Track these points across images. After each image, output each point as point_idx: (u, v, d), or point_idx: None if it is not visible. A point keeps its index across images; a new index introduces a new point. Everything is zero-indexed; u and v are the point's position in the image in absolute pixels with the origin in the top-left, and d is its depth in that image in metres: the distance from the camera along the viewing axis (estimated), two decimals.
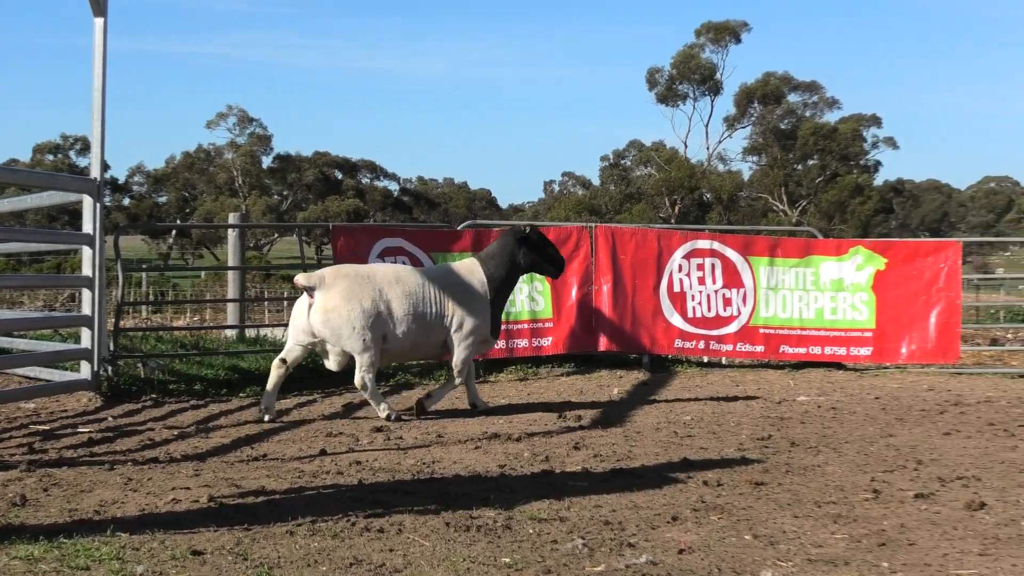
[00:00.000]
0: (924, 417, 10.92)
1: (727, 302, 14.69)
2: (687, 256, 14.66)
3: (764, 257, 14.71)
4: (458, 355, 10.90)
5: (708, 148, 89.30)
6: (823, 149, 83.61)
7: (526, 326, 14.40)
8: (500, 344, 14.22)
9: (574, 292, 14.50)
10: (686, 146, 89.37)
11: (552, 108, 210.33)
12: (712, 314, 14.59)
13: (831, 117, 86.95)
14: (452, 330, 10.83)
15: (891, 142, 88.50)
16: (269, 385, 10.70)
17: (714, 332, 14.63)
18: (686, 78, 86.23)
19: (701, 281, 14.68)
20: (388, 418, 10.57)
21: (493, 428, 10.07)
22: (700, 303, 14.64)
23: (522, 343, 14.41)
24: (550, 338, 14.48)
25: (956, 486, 7.53)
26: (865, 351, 14.58)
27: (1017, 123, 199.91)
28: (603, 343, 14.35)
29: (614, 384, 13.26)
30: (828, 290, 14.71)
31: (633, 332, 14.43)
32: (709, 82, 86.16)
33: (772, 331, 14.72)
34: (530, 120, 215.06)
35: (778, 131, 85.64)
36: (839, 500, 7.08)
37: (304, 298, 10.59)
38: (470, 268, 11.13)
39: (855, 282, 14.61)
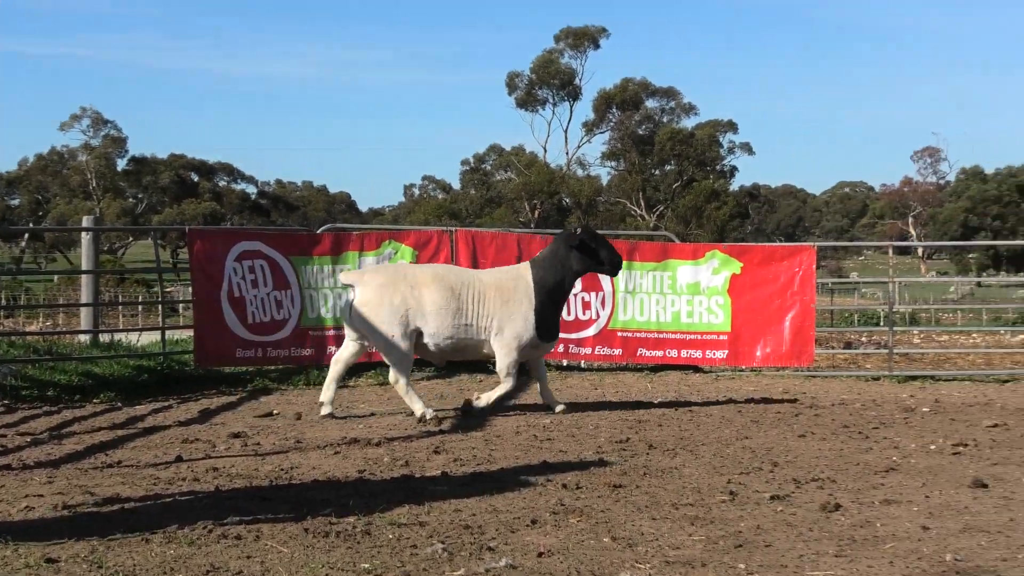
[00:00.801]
0: (780, 419, 11.12)
1: (586, 305, 14.81)
2: None
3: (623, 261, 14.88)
4: (500, 359, 11.09)
5: (567, 153, 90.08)
6: (680, 154, 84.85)
7: None
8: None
9: None
10: (546, 151, 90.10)
11: (412, 111, 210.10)
12: (571, 318, 14.69)
13: (688, 123, 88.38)
14: (493, 333, 11.00)
15: (747, 148, 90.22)
16: (327, 379, 11.15)
17: (573, 335, 14.74)
18: (545, 83, 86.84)
19: None
20: (422, 418, 10.74)
21: (353, 433, 10.00)
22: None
23: None
24: None
25: (811, 488, 7.67)
26: (721, 354, 14.79)
27: (870, 129, 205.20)
28: None
29: (475, 388, 13.27)
30: (685, 294, 14.90)
31: None
32: (568, 87, 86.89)
33: (630, 334, 14.87)
34: (390, 123, 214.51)
35: (636, 136, 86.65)
36: (696, 502, 7.16)
37: (349, 294, 11.12)
38: (518, 272, 11.30)
39: (711, 286, 14.82)
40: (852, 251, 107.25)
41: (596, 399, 12.65)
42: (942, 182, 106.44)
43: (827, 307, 24.32)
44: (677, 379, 14.58)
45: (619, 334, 14.85)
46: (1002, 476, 8.07)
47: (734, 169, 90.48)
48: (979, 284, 74.26)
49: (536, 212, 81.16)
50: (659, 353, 14.93)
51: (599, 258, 11.33)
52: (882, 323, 27.25)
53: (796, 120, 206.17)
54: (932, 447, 9.43)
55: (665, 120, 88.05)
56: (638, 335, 14.90)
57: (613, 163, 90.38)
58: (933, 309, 36.90)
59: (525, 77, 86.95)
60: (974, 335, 22.28)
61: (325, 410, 11.00)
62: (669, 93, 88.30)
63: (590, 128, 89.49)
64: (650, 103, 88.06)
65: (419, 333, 10.87)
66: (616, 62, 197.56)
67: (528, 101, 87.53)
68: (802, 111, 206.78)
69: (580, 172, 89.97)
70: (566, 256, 11.23)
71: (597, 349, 14.83)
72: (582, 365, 15.47)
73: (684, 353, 14.89)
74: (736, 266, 14.84)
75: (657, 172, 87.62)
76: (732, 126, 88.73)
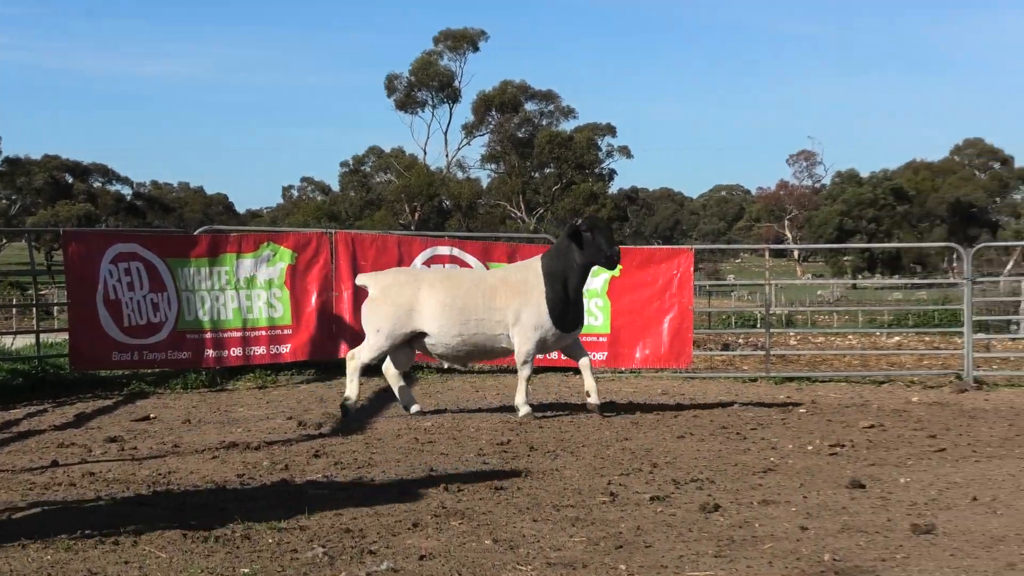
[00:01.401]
0: (659, 421, 11.24)
1: None
2: (427, 262, 14.74)
3: (501, 263, 14.95)
4: (518, 346, 11.34)
5: (447, 155, 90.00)
6: (559, 157, 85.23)
7: (264, 333, 14.22)
8: (237, 351, 14.05)
9: (314, 299, 14.41)
10: (425, 153, 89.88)
11: (291, 113, 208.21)
12: None
13: (567, 126, 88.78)
14: (511, 324, 11.26)
15: (626, 151, 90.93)
16: (394, 388, 11.72)
17: None
18: (425, 85, 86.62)
19: None
20: (344, 403, 11.28)
21: (231, 437, 9.90)
22: None
23: (260, 350, 14.23)
24: (289, 345, 14.35)
25: (691, 489, 7.77)
26: (600, 356, 14.90)
27: (746, 133, 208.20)
28: (344, 350, 14.24)
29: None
30: None
31: None
32: (447, 89, 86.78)
33: None
34: (268, 124, 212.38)
35: (515, 139, 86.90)
36: (577, 503, 7.21)
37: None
38: (528, 265, 11.61)
39: (590, 288, 14.90)
40: (729, 254, 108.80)
41: (478, 402, 12.68)
42: (818, 185, 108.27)
43: (705, 309, 24.60)
44: (557, 381, 14.67)
45: None
46: (879, 477, 8.24)
47: (613, 172, 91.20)
48: (854, 286, 75.82)
49: (416, 214, 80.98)
50: (539, 356, 14.98)
51: (596, 249, 11.35)
52: (759, 325, 27.67)
53: (674, 124, 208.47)
54: (809, 448, 9.60)
55: (544, 123, 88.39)
56: None
57: (493, 166, 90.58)
58: (809, 311, 37.56)
59: (404, 79, 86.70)
60: (850, 337, 22.72)
61: (414, 408, 11.56)
62: (548, 96, 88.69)
63: (469, 130, 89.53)
64: (529, 106, 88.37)
65: (421, 335, 11.32)
66: (495, 65, 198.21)
67: (407, 103, 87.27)
68: (680, 115, 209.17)
69: (460, 175, 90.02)
70: (567, 248, 11.41)
71: None
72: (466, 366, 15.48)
73: (563, 355, 14.96)
74: (616, 269, 14.95)
75: (537, 175, 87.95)
76: (611, 130, 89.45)
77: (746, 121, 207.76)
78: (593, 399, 11.41)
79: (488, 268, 13.30)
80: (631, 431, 10.49)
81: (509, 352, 11.50)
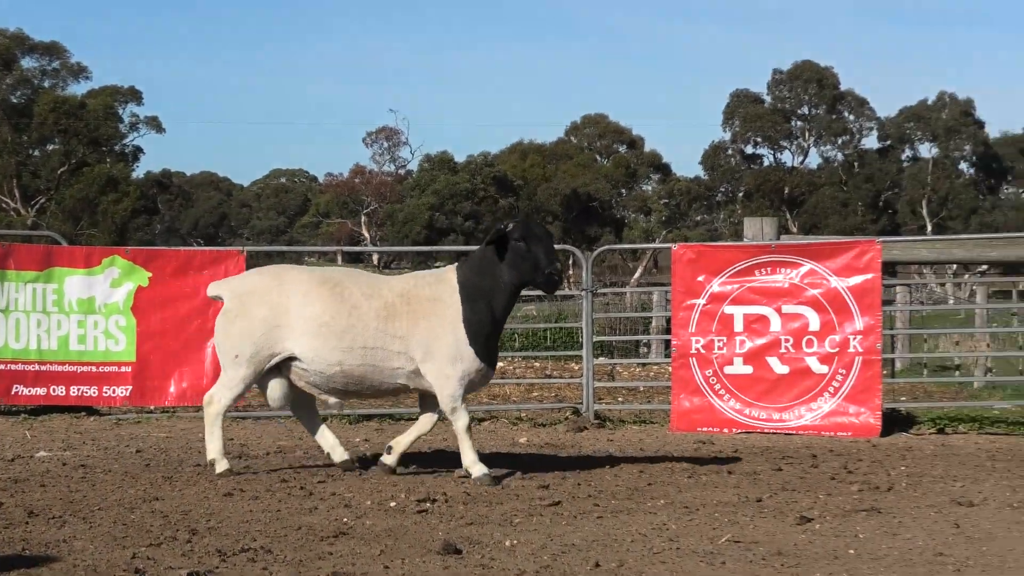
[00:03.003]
0: (200, 474, 11.16)
1: None
2: None
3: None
4: (439, 390, 10.70)
5: None
6: (67, 130, 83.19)
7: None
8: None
9: None
10: None
11: None
12: None
13: (78, 89, 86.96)
14: (419, 359, 10.60)
15: (155, 124, 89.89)
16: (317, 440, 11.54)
17: None
18: None
19: None
20: (211, 464, 10.89)
21: None
22: None
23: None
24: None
25: (241, 561, 7.74)
26: (123, 391, 14.70)
27: (310, 103, 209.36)
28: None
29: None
30: (76, 313, 14.72)
31: None
32: None
33: (3, 366, 14.50)
34: None
35: (8, 106, 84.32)
36: None
37: None
38: (440, 276, 10.96)
39: (110, 302, 14.70)
40: (291, 257, 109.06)
41: None
42: (403, 172, 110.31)
43: None
44: (65, 425, 14.36)
45: None
46: (478, 539, 8.44)
47: (139, 151, 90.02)
48: None
49: None
50: (41, 391, 14.65)
51: (533, 266, 10.73)
52: None
53: (218, 90, 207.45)
54: (392, 504, 9.74)
55: (47, 84, 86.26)
56: (14, 367, 14.55)
57: None
58: None
59: None
60: None
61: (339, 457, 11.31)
62: (52, 50, 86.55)
63: None
64: (27, 62, 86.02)
65: (290, 359, 10.80)
66: None
67: None
68: (226, 78, 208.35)
69: None
70: (491, 261, 10.83)
71: None
72: None
73: (75, 390, 14.71)
74: (143, 276, 14.80)
75: (37, 153, 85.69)
76: (136, 95, 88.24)
77: (310, 89, 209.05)
78: (388, 458, 11.18)
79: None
80: (163, 488, 10.39)
81: (406, 389, 11.05)
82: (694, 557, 7.94)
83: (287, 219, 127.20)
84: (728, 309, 14.50)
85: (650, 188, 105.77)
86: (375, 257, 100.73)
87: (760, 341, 14.43)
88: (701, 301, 14.48)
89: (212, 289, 11.30)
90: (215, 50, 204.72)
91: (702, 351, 14.49)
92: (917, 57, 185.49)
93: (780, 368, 14.41)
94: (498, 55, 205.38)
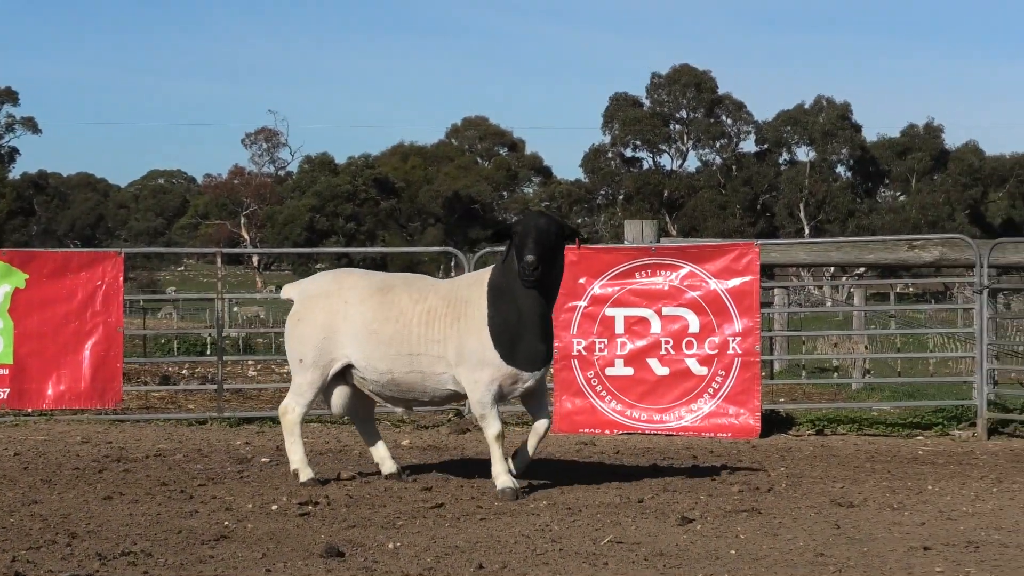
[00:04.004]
0: (79, 477, 11.06)
1: None
2: None
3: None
4: (470, 395, 10.46)
5: None
6: None
7: None
8: None
9: None
10: None
11: None
12: None
13: None
14: (454, 363, 10.28)
15: (31, 124, 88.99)
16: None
17: None
18: None
19: None
20: (295, 475, 10.74)
21: None
22: None
23: None
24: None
25: (121, 564, 7.69)
26: (0, 393, 14.53)
27: (190, 104, 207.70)
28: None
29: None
30: None
31: None
32: None
33: None
34: None
35: None
36: None
37: None
38: (477, 277, 10.60)
39: None
40: (170, 259, 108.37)
41: None
42: (282, 173, 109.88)
43: (139, 331, 24.36)
44: None
45: None
46: (362, 542, 8.44)
47: (15, 152, 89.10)
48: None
49: None
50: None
51: (513, 261, 10.31)
52: (209, 351, 27.71)
53: (96, 91, 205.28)
54: (274, 507, 9.71)
55: None
56: None
57: None
58: (273, 333, 37.95)
59: None
60: None
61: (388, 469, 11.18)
62: None
63: None
64: None
65: (350, 366, 10.67)
66: None
67: None
68: (103, 79, 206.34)
69: None
70: (512, 258, 10.34)
71: None
72: None
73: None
74: (19, 278, 14.62)
75: None
76: (11, 96, 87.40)
77: (188, 89, 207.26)
78: (516, 463, 10.75)
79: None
80: (42, 492, 10.30)
81: (460, 396, 10.74)
82: (577, 558, 7.98)
83: (165, 220, 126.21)
84: (609, 311, 14.55)
85: (531, 191, 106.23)
86: (255, 259, 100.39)
87: (640, 343, 14.50)
88: (582, 303, 14.53)
89: (285, 291, 11.21)
90: (93, 50, 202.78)
91: (583, 353, 14.54)
92: (794, 61, 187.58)
93: (660, 370, 14.49)
94: (378, 56, 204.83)
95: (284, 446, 10.91)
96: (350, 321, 10.58)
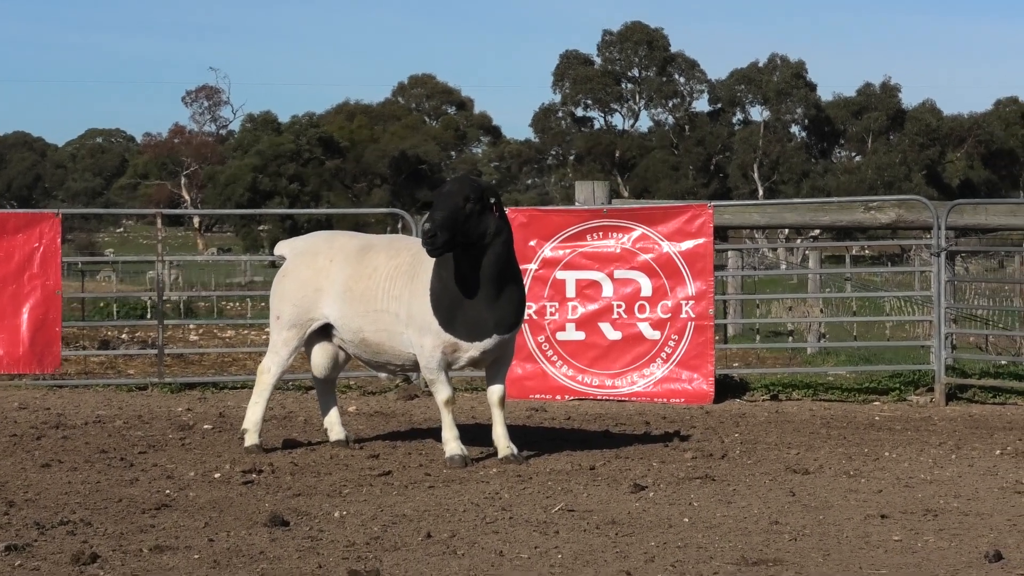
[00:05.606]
0: (16, 444, 11.03)
1: None
2: None
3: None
4: (418, 358, 10.39)
5: None
6: None
7: None
8: None
9: None
10: None
11: None
12: None
13: None
14: (406, 323, 10.21)
15: None
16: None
17: None
18: None
19: None
20: (242, 434, 10.82)
21: None
22: None
23: None
24: None
25: (60, 534, 7.67)
26: None
27: (127, 59, 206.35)
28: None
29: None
30: None
31: None
32: None
33: None
34: None
35: None
36: None
37: None
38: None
39: None
40: (108, 220, 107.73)
41: None
42: (224, 132, 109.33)
43: (77, 295, 24.25)
44: None
45: None
46: (307, 510, 8.45)
47: None
48: (274, 264, 77.06)
49: None
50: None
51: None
52: (149, 315, 27.59)
53: (30, 45, 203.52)
54: (217, 475, 9.71)
55: None
56: None
57: None
58: (215, 297, 37.85)
59: None
60: (267, 331, 23.11)
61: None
62: None
63: None
64: None
65: (328, 326, 10.70)
66: None
67: None
68: (39, 32, 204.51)
69: None
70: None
71: None
72: None
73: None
74: None
75: None
76: None
77: (126, 45, 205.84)
78: (501, 450, 10.55)
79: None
80: None
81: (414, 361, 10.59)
82: (527, 526, 8.00)
83: (104, 180, 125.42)
84: (560, 274, 14.54)
85: (480, 151, 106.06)
86: (196, 220, 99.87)
87: (592, 307, 14.50)
88: (533, 266, 14.48)
89: (279, 248, 11.22)
90: (28, 4, 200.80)
91: (534, 317, 14.50)
92: (748, 19, 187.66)
93: (612, 334, 14.48)
94: (323, 11, 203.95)
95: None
96: (331, 279, 10.57)
